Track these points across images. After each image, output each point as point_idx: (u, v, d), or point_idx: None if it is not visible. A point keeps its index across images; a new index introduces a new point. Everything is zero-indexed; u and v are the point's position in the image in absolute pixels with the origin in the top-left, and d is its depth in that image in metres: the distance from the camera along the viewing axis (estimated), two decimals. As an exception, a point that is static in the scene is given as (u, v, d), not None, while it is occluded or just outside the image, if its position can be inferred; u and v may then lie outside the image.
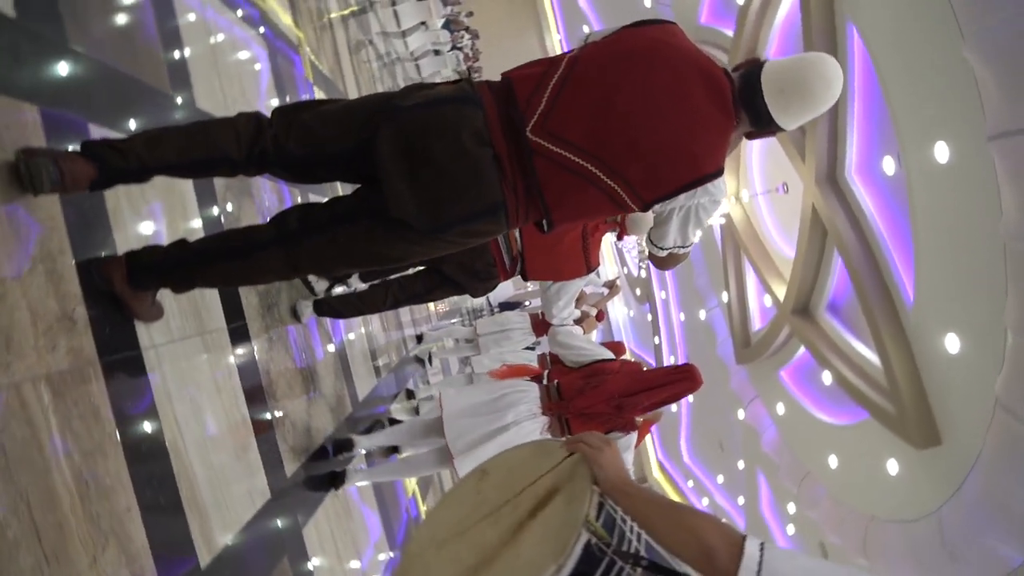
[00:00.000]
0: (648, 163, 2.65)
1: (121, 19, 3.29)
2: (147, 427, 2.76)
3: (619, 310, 25.80)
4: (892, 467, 9.58)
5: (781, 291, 11.72)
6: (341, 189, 6.39)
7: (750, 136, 2.92)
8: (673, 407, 5.50)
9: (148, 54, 3.49)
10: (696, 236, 2.97)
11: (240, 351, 3.87)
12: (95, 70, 2.91)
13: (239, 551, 3.26)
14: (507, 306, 15.32)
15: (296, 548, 4.06)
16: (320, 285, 5.44)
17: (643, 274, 21.57)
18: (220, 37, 4.68)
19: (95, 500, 2.30)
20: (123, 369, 2.66)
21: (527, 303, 16.05)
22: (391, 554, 6.12)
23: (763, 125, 2.80)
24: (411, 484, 7.85)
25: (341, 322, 6.26)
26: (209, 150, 2.64)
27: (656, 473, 22.21)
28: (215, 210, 3.89)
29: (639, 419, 5.07)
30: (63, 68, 2.68)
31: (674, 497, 18.79)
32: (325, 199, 2.84)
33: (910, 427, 8.58)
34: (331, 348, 5.83)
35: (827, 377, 10.82)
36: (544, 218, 2.78)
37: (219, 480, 3.24)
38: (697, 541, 1.73)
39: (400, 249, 2.77)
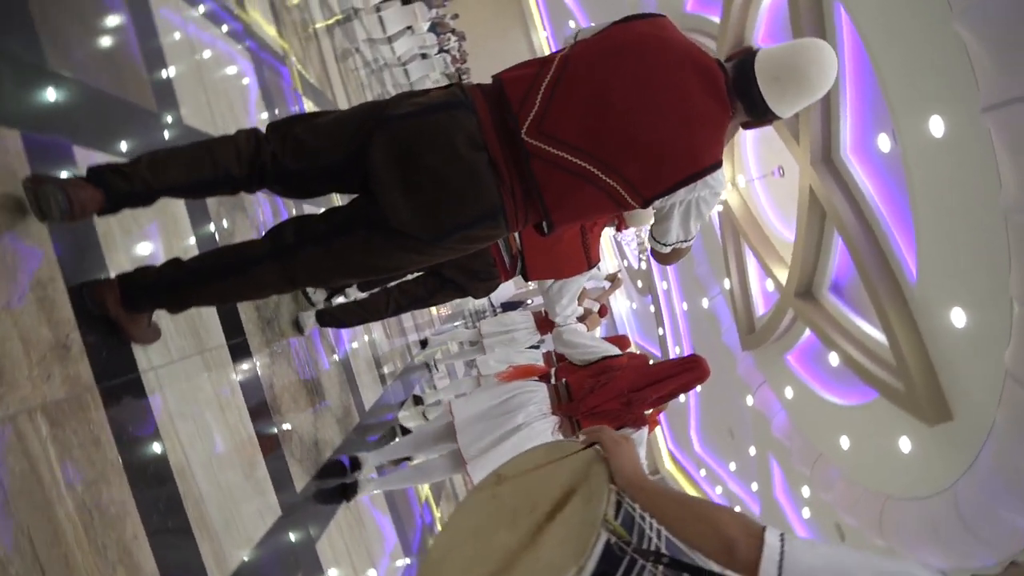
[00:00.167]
0: (646, 159, 2.63)
1: (102, 39, 3.24)
2: (150, 451, 2.71)
3: (621, 303, 25.75)
4: (904, 445, 9.54)
5: (783, 275, 11.68)
6: (338, 200, 6.35)
7: (747, 126, 2.91)
8: (681, 397, 5.49)
9: (132, 73, 3.44)
10: (697, 229, 2.94)
11: (242, 368, 3.82)
12: (77, 92, 2.87)
13: (252, 571, 3.22)
14: (509, 306, 15.27)
15: (310, 563, 4.02)
16: (318, 296, 5.40)
17: (643, 266, 21.54)
18: (204, 52, 4.64)
19: (100, 530, 2.26)
20: (122, 394, 2.61)
21: (529, 302, 16.01)
22: (407, 560, 6.09)
23: (759, 114, 2.79)
24: (424, 490, 7.81)
25: (344, 332, 6.22)
26: (213, 169, 2.62)
27: (668, 464, 22.18)
28: (209, 227, 3.84)
29: (647, 412, 5.04)
30: (44, 91, 2.64)
31: (687, 487, 18.92)
32: (321, 210, 2.80)
33: (920, 404, 8.54)
34: (335, 358, 5.79)
35: (834, 358, 10.79)
36: (543, 220, 2.75)
37: (228, 500, 3.20)
38: (717, 533, 1.72)
39: (399, 258, 2.75)
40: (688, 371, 4.88)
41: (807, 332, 11.68)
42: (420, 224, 2.60)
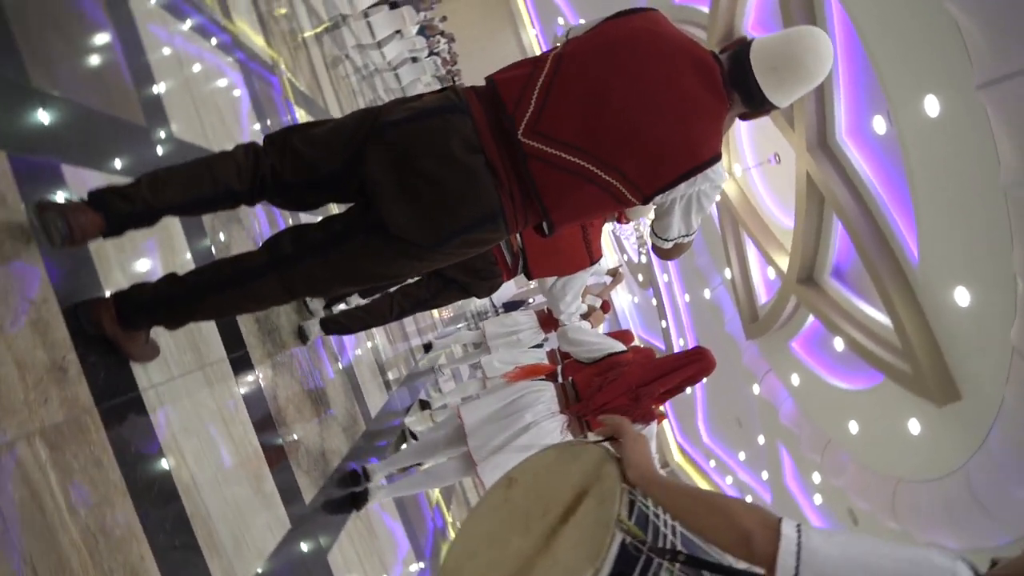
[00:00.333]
0: (645, 155, 2.61)
1: (87, 55, 3.20)
2: (155, 470, 2.68)
3: (623, 297, 25.76)
4: (914, 427, 9.52)
5: (784, 262, 11.67)
6: (335, 209, 6.32)
7: (744, 117, 2.89)
8: (688, 389, 5.47)
9: (119, 88, 3.40)
10: (699, 222, 2.91)
11: (245, 381, 3.79)
12: (63, 109, 2.82)
13: (264, 586, 3.19)
14: (511, 306, 15.28)
15: (323, 575, 3.98)
16: (316, 304, 5.37)
17: (643, 259, 21.55)
18: (192, 65, 4.60)
19: (107, 554, 2.22)
20: (123, 414, 2.57)
21: (531, 300, 16.01)
22: (421, 565, 6.07)
23: (757, 105, 2.77)
24: (434, 493, 7.79)
25: (347, 340, 6.19)
26: (213, 185, 2.60)
27: (677, 456, 22.18)
28: (205, 242, 3.81)
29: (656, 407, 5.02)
30: (28, 110, 2.60)
31: (697, 479, 18.90)
32: (318, 219, 2.76)
33: (928, 385, 8.52)
34: (338, 367, 5.76)
35: (839, 343, 10.78)
36: (544, 220, 2.73)
37: (236, 516, 3.17)
38: (733, 526, 1.71)
39: (399, 265, 2.72)
40: (693, 363, 4.86)
41: (811, 318, 11.67)
42: (419, 230, 2.57)
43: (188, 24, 4.75)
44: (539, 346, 8.95)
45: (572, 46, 2.72)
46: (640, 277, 22.51)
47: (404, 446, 6.54)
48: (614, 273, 9.72)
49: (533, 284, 14.86)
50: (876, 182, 8.97)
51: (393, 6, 15.12)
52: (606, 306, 9.14)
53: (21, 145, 2.48)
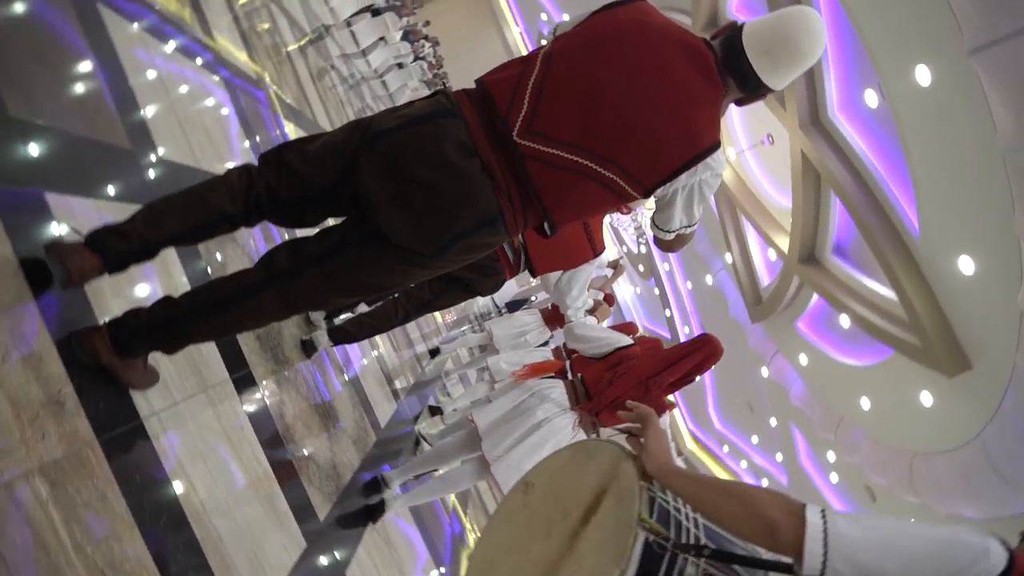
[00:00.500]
0: (643, 148, 2.57)
1: (66, 81, 3.15)
2: (162, 499, 2.62)
3: (625, 289, 25.75)
4: (926, 399, 9.48)
5: (784, 242, 11.64)
6: (332, 221, 6.27)
7: (740, 103, 2.85)
8: (697, 378, 5.45)
9: (102, 112, 3.34)
10: (700, 212, 2.87)
11: (249, 400, 3.74)
12: (46, 137, 2.77)
13: (282, 607, 3.14)
14: (514, 305, 15.24)
15: (342, 591, 3.95)
16: (317, 315, 5.34)
17: (643, 250, 21.55)
18: (175, 84, 4.55)
19: (117, 589, 2.17)
20: (125, 444, 2.52)
21: (533, 298, 15.97)
22: (441, 571, 6.05)
23: (752, 89, 2.74)
24: (450, 499, 7.76)
25: (351, 351, 6.16)
26: (207, 212, 2.59)
27: (690, 444, 22.13)
28: (200, 263, 3.75)
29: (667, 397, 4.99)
30: (6, 140, 2.54)
31: (712, 466, 18.89)
32: (314, 231, 2.71)
33: (938, 356, 8.49)
34: (344, 379, 5.73)
35: (845, 320, 10.74)
36: (545, 221, 2.68)
37: (249, 538, 3.12)
38: (757, 516, 1.70)
39: (400, 274, 2.68)
40: (700, 350, 4.82)
41: (815, 297, 11.64)
42: (419, 237, 2.53)
43: (169, 45, 4.70)
44: (545, 344, 8.92)
45: (561, 43, 2.68)
46: (641, 267, 22.50)
47: (418, 452, 6.50)
48: (615, 265, 9.68)
49: (534, 282, 14.83)
50: (872, 156, 8.94)
51: (375, 13, 15.10)
52: (610, 299, 9.09)
53: (1, 176, 2.42)
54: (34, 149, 2.67)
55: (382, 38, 15.75)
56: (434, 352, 10.93)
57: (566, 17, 2.91)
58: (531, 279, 8.76)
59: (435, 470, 5.68)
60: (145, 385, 2.72)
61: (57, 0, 3.27)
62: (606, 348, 5.20)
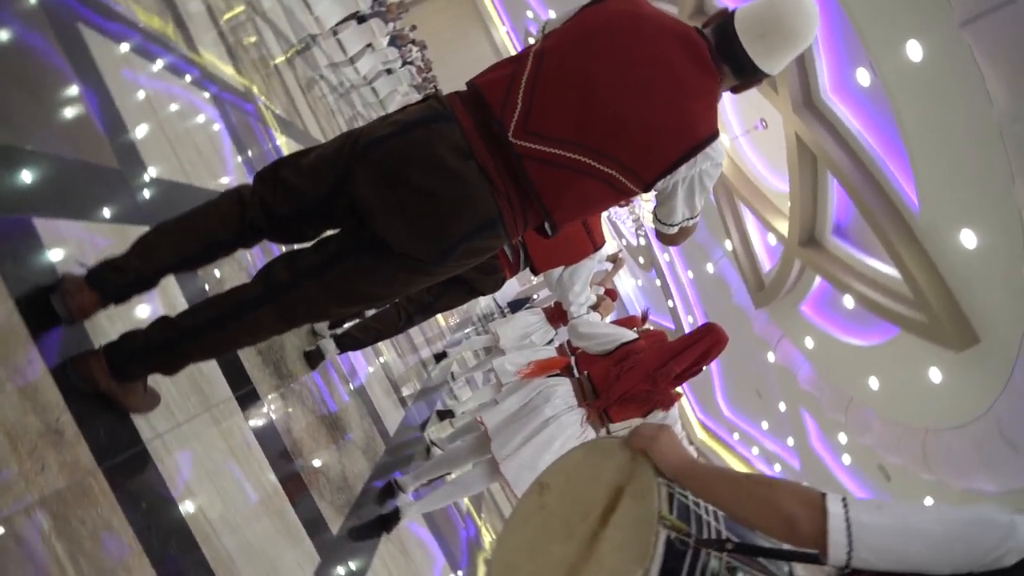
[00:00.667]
0: (640, 141, 2.53)
1: (48, 102, 3.10)
2: (170, 523, 2.58)
3: (627, 282, 25.72)
4: (935, 375, 9.45)
5: (783, 226, 11.61)
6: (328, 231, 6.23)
7: (736, 89, 2.81)
8: (704, 368, 5.42)
9: (88, 133, 3.29)
10: (702, 204, 2.83)
11: (255, 417, 3.70)
12: (31, 161, 2.72)
13: (299, 625, 3.10)
14: (516, 304, 15.20)
15: (359, 603, 3.91)
16: (321, 326, 5.31)
17: (642, 242, 21.52)
18: (161, 101, 4.51)
19: (127, 618, 2.13)
20: (129, 469, 2.48)
21: (535, 296, 15.94)
22: (459, 574, 6.03)
23: (748, 75, 2.70)
24: (464, 502, 7.72)
25: (356, 361, 6.14)
26: (199, 240, 2.59)
27: (701, 434, 22.10)
28: (198, 281, 3.70)
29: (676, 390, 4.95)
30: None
31: (723, 454, 18.86)
32: (311, 243, 2.67)
33: (945, 332, 8.46)
34: (350, 388, 5.69)
35: (849, 301, 10.71)
36: (545, 221, 2.64)
37: (261, 557, 3.09)
38: (775, 511, 1.68)
39: (402, 282, 2.63)
40: (704, 339, 4.79)
41: (817, 279, 11.61)
42: (420, 244, 2.49)
43: (153, 62, 4.65)
44: (550, 343, 8.89)
45: (552, 40, 2.64)
46: (641, 259, 22.48)
47: (430, 458, 6.48)
48: (614, 259, 9.64)
49: (536, 280, 14.80)
50: (867, 135, 8.90)
51: (361, 20, 15.07)
52: (612, 294, 9.05)
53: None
54: (19, 174, 2.63)
55: (369, 45, 15.73)
56: (439, 356, 10.90)
57: (552, 14, 2.88)
58: (532, 277, 8.72)
59: (448, 474, 5.65)
60: (146, 408, 2.68)
61: (36, 22, 3.21)
62: (611, 344, 5.16)
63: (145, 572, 2.30)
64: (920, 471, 10.30)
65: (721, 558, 1.78)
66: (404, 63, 19.50)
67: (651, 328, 6.79)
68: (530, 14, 22.81)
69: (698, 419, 22.16)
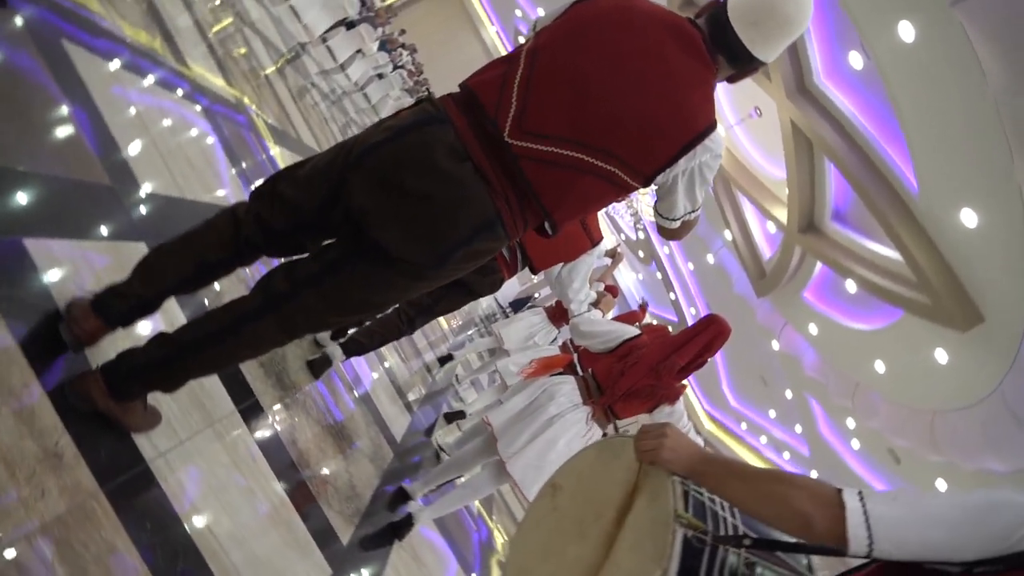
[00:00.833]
0: (638, 136, 2.49)
1: (36, 120, 3.07)
2: (176, 542, 2.55)
3: (627, 277, 25.70)
4: (941, 356, 9.41)
5: (782, 214, 11.58)
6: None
7: (732, 79, 2.78)
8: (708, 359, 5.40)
9: (77, 150, 3.26)
10: (703, 196, 2.79)
11: (259, 430, 3.66)
12: (19, 182, 2.69)
13: (312, 638, 3.07)
14: (518, 304, 15.18)
15: (373, 613, 3.88)
16: (324, 335, 5.28)
17: (640, 236, 21.49)
18: (148, 113, 4.47)
19: (136, 642, 2.09)
20: (132, 490, 2.44)
21: (537, 295, 15.92)
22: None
23: (744, 64, 2.67)
24: (474, 504, 7.70)
25: (360, 368, 6.11)
26: (196, 260, 2.59)
27: (708, 425, 22.06)
28: (196, 295, 3.66)
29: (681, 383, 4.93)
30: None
31: (731, 444, 18.83)
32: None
33: (949, 312, 8.42)
34: (355, 396, 5.66)
35: (851, 286, 10.68)
36: (545, 221, 2.61)
37: (270, 571, 3.06)
38: (790, 511, 1.67)
39: (401, 288, 2.60)
40: (706, 330, 4.76)
41: (819, 266, 11.58)
42: (418, 250, 2.46)
43: (141, 75, 4.62)
44: (553, 342, 8.87)
45: (544, 37, 2.60)
46: (641, 253, 22.44)
47: (439, 464, 6.46)
48: (613, 254, 9.62)
49: (536, 279, 14.77)
50: (862, 118, 8.87)
51: (350, 26, 15.05)
52: (613, 290, 9.02)
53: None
54: (10, 196, 2.59)
55: (359, 50, 15.71)
56: (444, 360, 10.88)
57: (541, 12, 2.84)
58: (533, 276, 8.70)
59: (458, 478, 5.62)
60: (147, 427, 2.65)
61: (20, 40, 3.18)
62: (614, 341, 5.13)
63: (153, 593, 2.27)
64: (929, 453, 10.28)
65: (739, 554, 1.77)
66: (395, 67, 19.48)
67: (653, 323, 6.76)
68: (519, 13, 22.79)
69: (705, 410, 22.13)
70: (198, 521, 2.73)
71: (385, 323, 5.44)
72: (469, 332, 16.67)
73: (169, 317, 3.26)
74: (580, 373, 5.18)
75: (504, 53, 2.73)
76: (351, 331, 5.59)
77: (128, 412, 2.50)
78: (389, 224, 2.43)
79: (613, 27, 2.52)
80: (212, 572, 2.64)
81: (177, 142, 4.67)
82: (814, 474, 15.16)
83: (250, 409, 3.68)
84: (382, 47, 18.37)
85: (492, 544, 7.60)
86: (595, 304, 6.91)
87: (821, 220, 10.87)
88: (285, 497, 3.54)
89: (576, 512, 2.04)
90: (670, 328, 5.51)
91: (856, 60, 8.26)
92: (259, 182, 2.67)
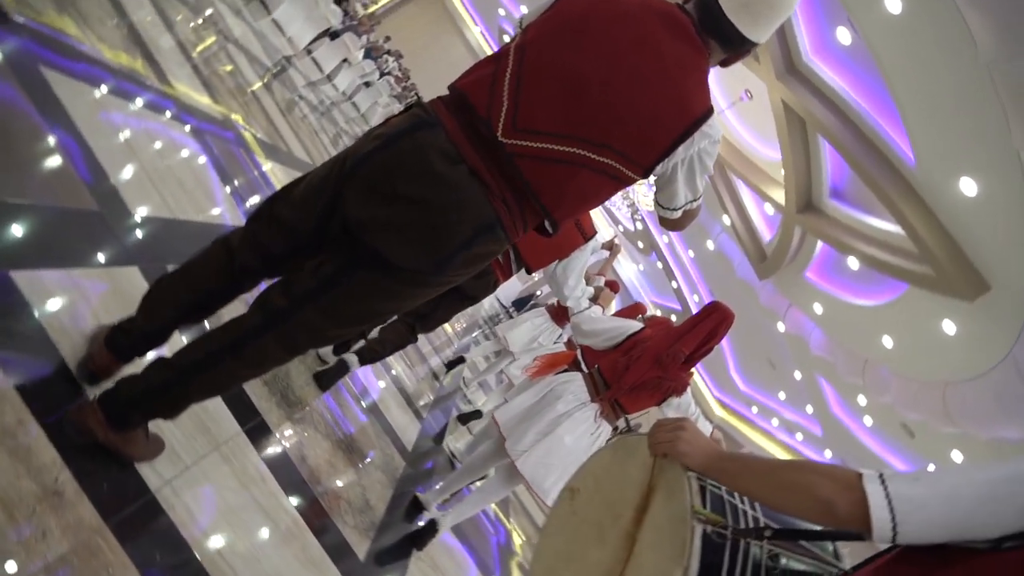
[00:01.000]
0: (634, 126, 2.44)
1: (19, 150, 3.02)
2: (188, 570, 2.50)
3: (628, 268, 25.66)
4: (949, 328, 9.37)
5: (779, 195, 11.56)
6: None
7: (725, 63, 2.73)
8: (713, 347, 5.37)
9: (62, 177, 3.21)
10: (703, 184, 2.74)
11: (267, 449, 3.61)
12: (4, 213, 2.64)
13: (334, 658, 3.02)
14: (521, 303, 15.14)
15: (395, 626, 3.83)
16: (326, 350, 5.24)
17: (639, 226, 21.46)
18: (135, 135, 4.43)
19: None
20: (139, 522, 2.38)
21: (538, 293, 15.90)
22: (495, 577, 5.95)
23: (736, 47, 2.62)
24: (491, 507, 7.66)
25: (367, 379, 6.07)
26: (194, 292, 2.59)
27: (719, 411, 22.04)
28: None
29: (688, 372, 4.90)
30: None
31: (743, 428, 18.79)
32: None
33: (954, 283, 8.38)
34: (364, 407, 5.62)
35: (853, 262, 10.65)
36: (545, 220, 2.57)
37: (287, 592, 3.00)
38: (811, 499, 1.62)
39: (403, 296, 2.56)
40: (709, 317, 4.74)
41: (819, 245, 11.55)
42: (418, 256, 2.41)
43: (128, 100, 4.58)
44: (558, 341, 8.85)
45: (531, 33, 2.55)
46: (640, 244, 22.41)
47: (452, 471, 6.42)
48: (610, 246, 9.57)
49: (536, 276, 14.77)
50: (854, 93, 8.85)
51: (334, 36, 15.05)
52: (614, 286, 8.97)
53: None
54: (-5, 229, 2.54)
55: (345, 60, 15.71)
56: (451, 364, 10.84)
57: (524, 9, 2.79)
58: (533, 275, 8.66)
59: (472, 483, 5.59)
60: (150, 456, 2.59)
61: (-4, 72, 3.14)
62: (617, 338, 5.09)
63: (165, 627, 2.21)
64: (942, 425, 10.24)
65: (762, 546, 1.75)
66: (381, 74, 19.50)
67: (657, 315, 6.72)
68: (502, 12, 22.76)
69: (715, 397, 22.11)
70: (210, 547, 2.68)
71: (393, 329, 5.42)
72: (474, 334, 16.65)
73: (172, 344, 3.21)
74: (587, 370, 5.13)
75: (490, 53, 2.68)
76: (356, 345, 5.56)
77: (129, 442, 2.44)
78: (386, 231, 2.38)
79: (602, 18, 2.48)
80: (226, 599, 2.59)
81: (166, 163, 4.61)
82: (828, 453, 15.14)
83: (256, 429, 3.62)
84: (367, 55, 18.38)
85: (511, 546, 7.57)
86: (593, 299, 6.85)
87: (819, 199, 10.84)
88: (297, 515, 3.49)
89: (595, 515, 2.02)
90: (673, 318, 5.46)
91: (844, 35, 8.23)
92: (256, 204, 2.63)
